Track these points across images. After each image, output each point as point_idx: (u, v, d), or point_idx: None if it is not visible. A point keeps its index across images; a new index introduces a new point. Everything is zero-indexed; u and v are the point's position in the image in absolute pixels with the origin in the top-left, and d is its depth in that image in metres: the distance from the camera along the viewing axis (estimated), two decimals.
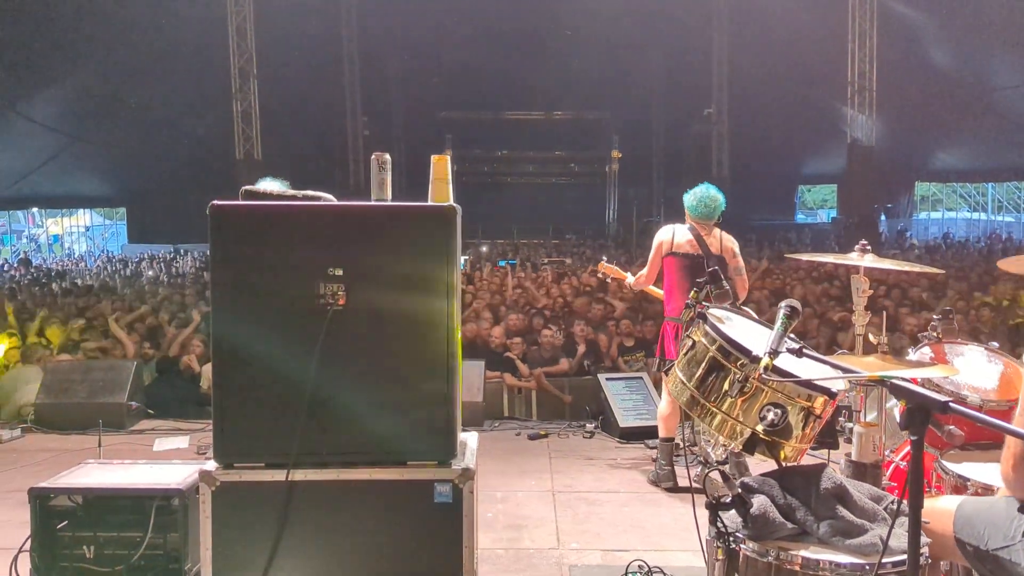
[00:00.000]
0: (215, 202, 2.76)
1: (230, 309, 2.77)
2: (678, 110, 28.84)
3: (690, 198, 5.44)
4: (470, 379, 6.61)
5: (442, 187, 2.95)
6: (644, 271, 5.60)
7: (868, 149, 20.63)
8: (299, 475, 2.73)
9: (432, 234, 2.77)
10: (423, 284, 2.76)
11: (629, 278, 5.80)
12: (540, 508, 5.00)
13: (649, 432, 6.22)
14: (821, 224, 35.60)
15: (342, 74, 26.87)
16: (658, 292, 5.62)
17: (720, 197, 5.44)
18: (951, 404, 1.87)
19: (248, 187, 2.97)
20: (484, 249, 23.45)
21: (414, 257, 2.77)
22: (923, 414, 1.91)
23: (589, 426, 6.76)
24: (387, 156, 2.99)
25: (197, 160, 25.65)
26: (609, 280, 6.81)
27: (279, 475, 2.72)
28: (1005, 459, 2.35)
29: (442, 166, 2.98)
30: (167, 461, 4.13)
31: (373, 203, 2.91)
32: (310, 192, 2.92)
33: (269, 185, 2.94)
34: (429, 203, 2.90)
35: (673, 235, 5.40)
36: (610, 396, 6.67)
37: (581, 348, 8.22)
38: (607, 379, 6.91)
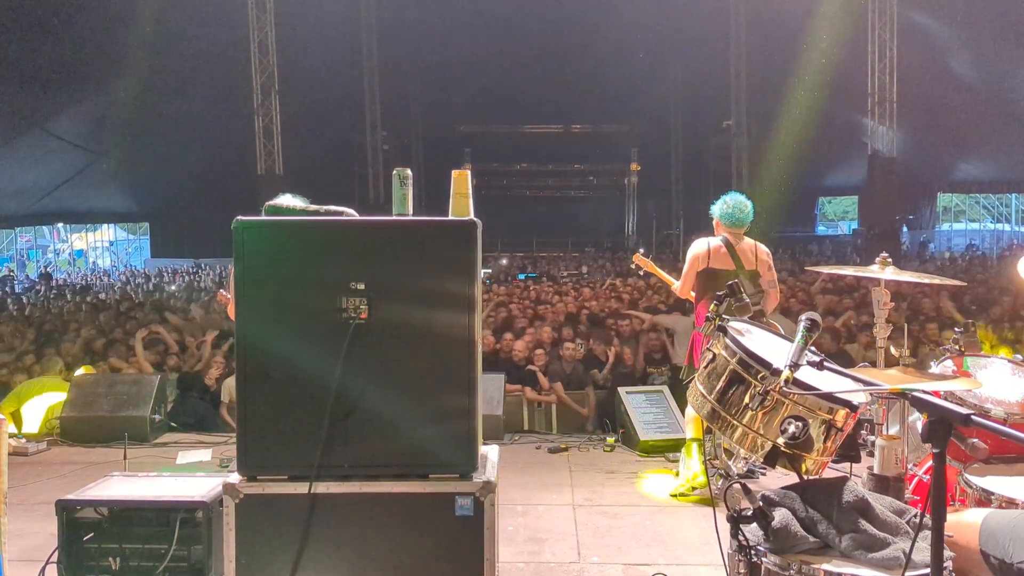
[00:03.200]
0: (239, 217, 2.79)
1: (253, 323, 2.80)
2: (697, 122, 28.87)
3: (721, 206, 5.42)
4: (490, 392, 6.61)
5: (463, 201, 2.98)
6: (679, 283, 5.61)
7: (889, 160, 20.52)
8: (321, 488, 2.75)
9: (453, 248, 2.78)
10: (444, 298, 2.78)
11: (675, 284, 5.77)
12: (561, 521, 4.99)
13: (670, 445, 6.20)
14: (842, 236, 35.45)
15: (362, 89, 27.11)
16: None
17: (750, 203, 5.44)
18: (973, 417, 1.86)
19: (271, 202, 3.00)
20: (504, 262, 23.54)
21: (435, 271, 2.79)
22: (944, 427, 1.90)
23: (610, 439, 6.74)
24: (408, 171, 3.01)
25: (219, 175, 25.94)
26: (642, 272, 6.90)
27: (302, 488, 2.74)
28: None
29: (463, 180, 3.00)
30: (191, 474, 4.18)
31: (395, 218, 2.94)
32: (333, 207, 2.95)
33: (288, 200, 2.98)
34: (450, 218, 2.93)
35: (708, 250, 5.39)
36: (630, 409, 6.64)
37: (610, 361, 8.26)
38: (627, 392, 6.88)
